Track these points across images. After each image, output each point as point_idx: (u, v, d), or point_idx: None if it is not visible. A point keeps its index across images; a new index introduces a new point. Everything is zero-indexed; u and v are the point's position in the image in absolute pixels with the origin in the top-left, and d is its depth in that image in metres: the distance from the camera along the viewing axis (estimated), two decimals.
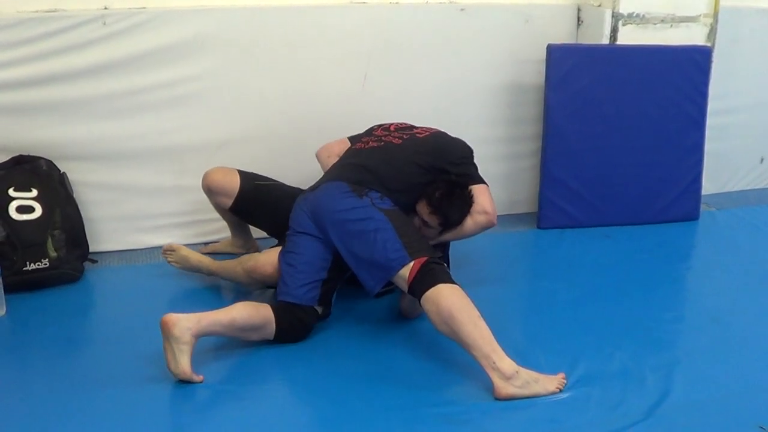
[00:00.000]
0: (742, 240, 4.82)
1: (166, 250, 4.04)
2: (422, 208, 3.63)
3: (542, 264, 4.56)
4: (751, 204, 5.41)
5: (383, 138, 3.85)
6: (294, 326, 3.37)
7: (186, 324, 3.03)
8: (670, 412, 2.90)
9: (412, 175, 3.66)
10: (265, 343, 3.32)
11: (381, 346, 3.42)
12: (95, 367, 3.23)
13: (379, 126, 4.00)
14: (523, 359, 3.17)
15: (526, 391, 2.97)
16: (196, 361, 3.05)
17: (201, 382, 3.04)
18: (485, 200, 3.72)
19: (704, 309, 3.83)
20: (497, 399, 2.97)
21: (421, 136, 3.87)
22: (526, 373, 3.01)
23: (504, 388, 2.96)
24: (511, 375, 2.98)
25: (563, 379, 3.06)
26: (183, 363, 3.00)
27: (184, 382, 3.05)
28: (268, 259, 3.66)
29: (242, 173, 4.04)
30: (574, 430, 2.79)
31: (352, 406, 2.97)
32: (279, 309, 3.35)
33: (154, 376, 3.12)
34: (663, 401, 2.96)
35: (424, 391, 3.06)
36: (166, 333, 3.02)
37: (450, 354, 3.25)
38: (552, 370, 3.13)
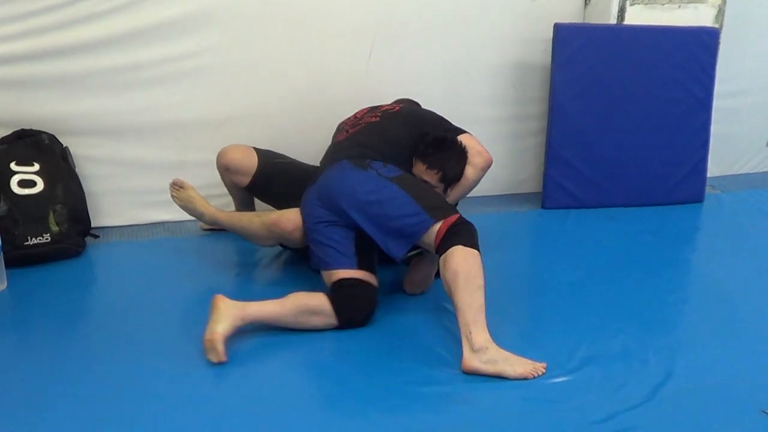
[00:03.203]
0: (747, 223, 4.80)
1: (174, 184, 3.94)
2: (419, 169, 3.65)
3: (546, 244, 4.55)
4: (757, 187, 5.40)
5: (359, 123, 3.86)
6: (350, 299, 3.34)
7: (231, 304, 3.15)
8: (672, 394, 2.88)
9: (401, 138, 3.72)
10: (272, 327, 3.31)
11: (381, 324, 3.40)
12: (95, 342, 3.22)
13: (344, 123, 3.99)
14: (526, 339, 3.18)
15: (490, 368, 2.95)
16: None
17: (223, 361, 3.03)
18: (474, 143, 3.77)
19: (708, 291, 3.81)
20: (463, 371, 2.98)
21: (395, 109, 3.91)
22: (496, 351, 2.99)
23: (469, 360, 2.97)
24: (479, 348, 2.97)
25: (542, 368, 3.01)
26: (219, 328, 3.05)
27: (185, 362, 3.06)
28: (292, 215, 3.61)
29: (259, 151, 4.03)
30: (575, 411, 2.78)
31: (352, 385, 2.96)
32: (329, 291, 3.37)
33: (154, 350, 3.13)
34: (666, 384, 2.94)
35: (424, 369, 3.04)
36: (213, 306, 3.13)
37: (451, 332, 3.24)
38: (555, 351, 3.13)
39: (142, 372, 2.99)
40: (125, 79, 4.26)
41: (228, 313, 3.10)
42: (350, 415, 2.79)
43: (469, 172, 3.74)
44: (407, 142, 3.72)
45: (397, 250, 3.33)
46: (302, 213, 3.58)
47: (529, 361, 3.02)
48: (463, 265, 3.10)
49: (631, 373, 3.01)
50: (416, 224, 3.26)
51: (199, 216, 3.94)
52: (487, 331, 3.02)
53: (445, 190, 3.71)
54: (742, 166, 5.69)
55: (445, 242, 3.18)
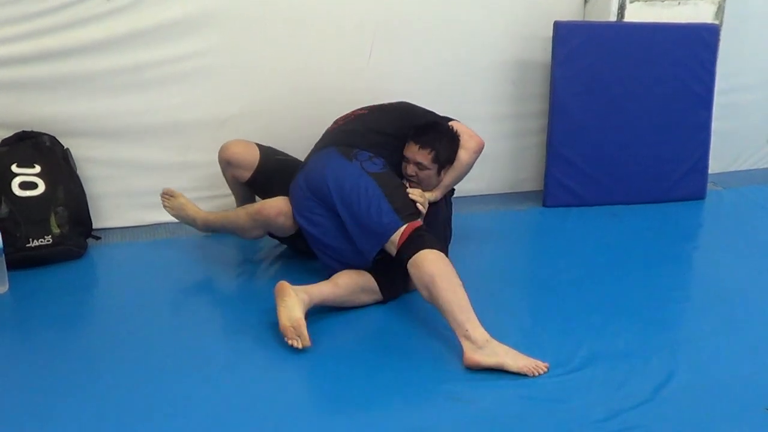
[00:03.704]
0: (748, 219, 4.80)
1: (165, 194, 4.03)
2: (412, 150, 3.70)
3: (547, 243, 4.55)
4: (758, 183, 5.40)
5: (349, 116, 3.93)
6: (389, 276, 3.47)
7: (298, 290, 3.20)
8: (674, 393, 2.88)
9: (388, 127, 3.79)
10: (270, 322, 3.30)
11: (379, 323, 3.41)
12: (97, 344, 3.22)
13: (338, 119, 4.03)
14: (527, 338, 3.19)
15: (492, 360, 2.97)
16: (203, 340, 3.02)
17: (309, 345, 3.08)
18: (465, 128, 3.84)
19: (710, 288, 3.81)
20: (466, 366, 3.00)
21: (385, 103, 3.98)
22: (497, 345, 3.02)
23: (471, 355, 3.00)
24: (482, 345, 3.00)
25: (544, 367, 3.01)
26: (298, 313, 3.10)
27: (192, 353, 3.06)
28: (274, 203, 3.66)
29: (261, 147, 4.06)
30: (577, 410, 2.77)
31: (352, 384, 2.96)
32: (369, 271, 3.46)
33: (157, 352, 3.13)
34: (668, 382, 2.94)
35: (427, 367, 3.05)
36: (282, 293, 3.16)
37: (450, 329, 3.26)
38: (556, 349, 3.14)
39: (144, 373, 2.98)
40: (126, 81, 4.25)
41: (299, 298, 3.15)
42: (351, 414, 2.79)
43: (462, 155, 3.77)
44: (395, 131, 3.78)
45: (368, 247, 3.39)
46: (291, 199, 3.63)
47: (531, 358, 3.02)
48: (437, 267, 3.15)
49: (633, 372, 3.01)
50: (387, 224, 3.31)
51: (191, 222, 4.01)
52: (482, 327, 3.05)
53: (438, 172, 3.74)
54: (743, 162, 5.69)
55: (409, 246, 3.23)
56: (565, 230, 4.57)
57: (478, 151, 3.84)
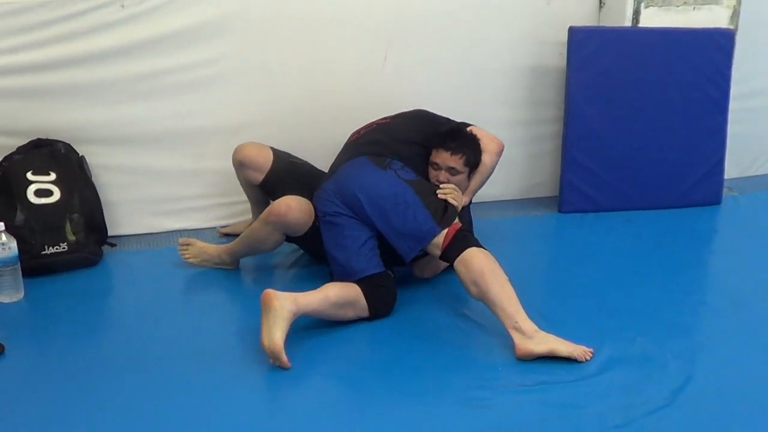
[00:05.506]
0: (764, 224, 4.77)
1: (182, 245, 4.01)
2: (442, 157, 3.73)
3: (563, 248, 4.55)
4: None
5: (370, 126, 3.96)
6: (381, 293, 3.45)
7: (284, 301, 3.09)
8: (692, 398, 2.86)
9: (411, 136, 3.83)
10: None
11: (395, 328, 3.41)
12: (113, 352, 3.22)
13: (357, 130, 4.03)
14: None
15: (543, 347, 3.07)
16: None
17: (288, 368, 3.02)
18: (484, 132, 3.89)
19: (727, 294, 3.78)
20: (518, 357, 3.07)
21: (404, 112, 4.02)
22: (545, 334, 3.12)
23: (523, 344, 3.08)
24: (532, 335, 3.09)
25: (590, 352, 3.09)
26: (277, 335, 3.01)
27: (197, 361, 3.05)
28: (281, 200, 3.65)
29: (275, 150, 4.07)
30: (596, 415, 2.76)
31: (370, 388, 2.97)
32: (360, 285, 3.41)
33: (173, 358, 3.13)
34: (685, 387, 2.92)
35: (441, 373, 3.05)
36: (266, 305, 3.07)
37: (466, 334, 3.30)
38: None
39: (159, 380, 2.98)
40: (141, 88, 4.27)
41: (282, 314, 3.06)
42: (365, 419, 2.79)
43: (486, 158, 3.83)
44: (419, 140, 3.81)
45: (406, 251, 3.45)
46: (317, 204, 3.64)
47: (578, 345, 3.11)
48: (486, 263, 3.24)
49: (650, 377, 2.99)
50: (427, 230, 3.38)
51: (219, 261, 3.98)
52: (530, 319, 3.13)
53: (468, 176, 3.78)
54: (759, 167, 5.66)
55: (454, 246, 3.32)
56: (580, 236, 4.56)
57: (500, 152, 3.90)
